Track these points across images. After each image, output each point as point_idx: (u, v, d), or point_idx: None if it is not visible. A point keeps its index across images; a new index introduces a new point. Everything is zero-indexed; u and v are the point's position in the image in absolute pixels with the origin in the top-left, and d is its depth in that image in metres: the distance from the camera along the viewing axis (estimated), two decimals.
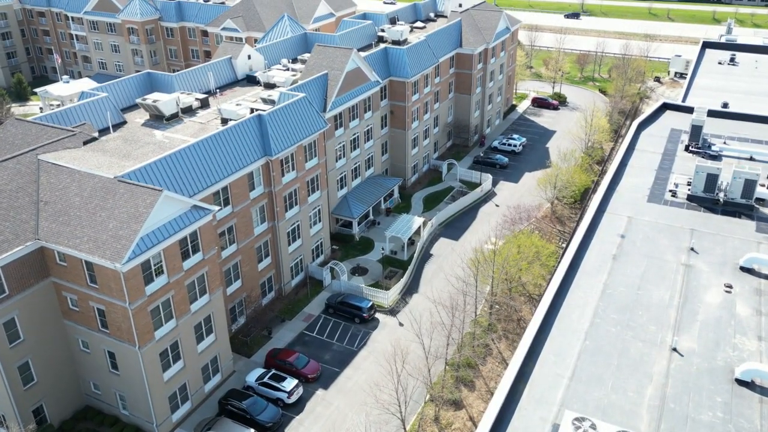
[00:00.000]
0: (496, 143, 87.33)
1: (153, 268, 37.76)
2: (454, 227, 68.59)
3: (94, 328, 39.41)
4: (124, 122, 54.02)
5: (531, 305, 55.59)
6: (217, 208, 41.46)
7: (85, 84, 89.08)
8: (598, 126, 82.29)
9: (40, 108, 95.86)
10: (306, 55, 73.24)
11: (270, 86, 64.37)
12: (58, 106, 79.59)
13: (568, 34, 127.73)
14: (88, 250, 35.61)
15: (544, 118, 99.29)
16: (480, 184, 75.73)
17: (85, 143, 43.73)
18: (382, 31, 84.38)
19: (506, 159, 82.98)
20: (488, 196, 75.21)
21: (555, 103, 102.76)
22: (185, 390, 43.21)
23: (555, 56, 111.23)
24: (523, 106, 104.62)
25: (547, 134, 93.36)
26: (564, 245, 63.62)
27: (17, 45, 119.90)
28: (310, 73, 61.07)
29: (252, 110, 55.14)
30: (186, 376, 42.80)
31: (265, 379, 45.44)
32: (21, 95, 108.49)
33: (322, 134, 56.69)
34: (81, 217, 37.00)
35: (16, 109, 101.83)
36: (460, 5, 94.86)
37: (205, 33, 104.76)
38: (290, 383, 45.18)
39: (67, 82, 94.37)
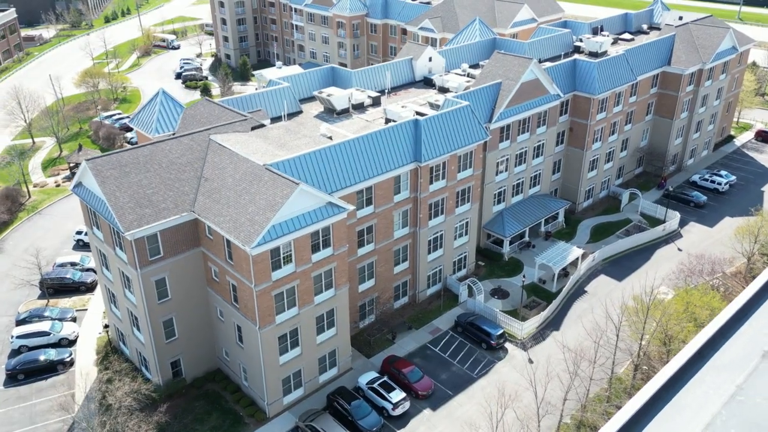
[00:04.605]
0: (696, 178, 76.00)
1: (282, 255, 39.36)
2: (621, 266, 61.10)
3: (228, 301, 42.50)
4: (300, 112, 57.30)
5: None
6: (352, 207, 41.77)
7: (294, 71, 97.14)
8: None
9: (255, 88, 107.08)
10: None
11: (444, 90, 63.44)
12: None
13: None
14: (227, 229, 38.29)
15: None
16: (664, 222, 66.51)
17: (252, 128, 47.16)
18: (581, 40, 78.15)
19: (704, 198, 71.70)
20: (671, 237, 65.69)
21: None
22: (299, 376, 44.69)
23: None
24: (743, 138, 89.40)
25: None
26: None
27: (249, 30, 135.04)
28: (483, 81, 58.69)
29: (417, 113, 54.73)
30: (302, 364, 44.20)
31: (375, 385, 45.05)
32: (244, 75, 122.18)
33: (482, 145, 54.16)
34: (229, 198, 39.92)
35: (237, 87, 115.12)
36: (681, 18, 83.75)
37: (404, 31, 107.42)
38: (398, 395, 44.20)
39: (280, 67, 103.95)
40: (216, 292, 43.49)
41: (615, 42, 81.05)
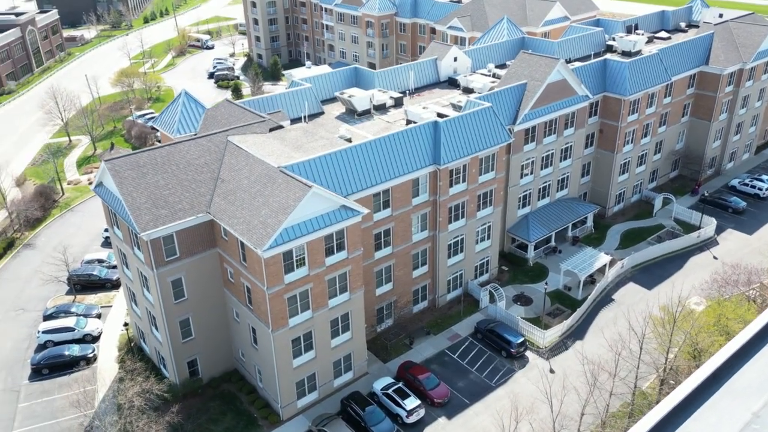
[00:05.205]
0: (735, 182, 72.86)
1: (295, 258, 39.10)
2: (652, 273, 58.93)
3: (243, 302, 42.53)
4: (322, 113, 57.06)
5: None
6: (366, 210, 41.23)
7: (324, 70, 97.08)
8: None
9: (285, 88, 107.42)
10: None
11: (468, 91, 62.29)
12: None
13: None
14: (241, 231, 38.24)
15: None
16: (699, 228, 63.92)
17: (270, 130, 47.08)
18: (613, 39, 75.75)
19: (743, 203, 68.65)
20: (707, 244, 63.07)
21: None
22: (314, 380, 44.42)
23: None
24: None
25: None
26: None
27: (280, 30, 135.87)
28: (508, 81, 57.33)
29: (438, 115, 53.79)
30: (316, 367, 43.92)
31: (390, 391, 44.44)
32: (275, 75, 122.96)
33: (505, 148, 52.90)
34: (243, 199, 39.88)
35: (267, 87, 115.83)
36: (721, 15, 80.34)
37: (433, 30, 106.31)
38: (412, 402, 43.49)
39: (309, 67, 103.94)
40: (232, 294, 43.60)
41: (650, 41, 78.29)
